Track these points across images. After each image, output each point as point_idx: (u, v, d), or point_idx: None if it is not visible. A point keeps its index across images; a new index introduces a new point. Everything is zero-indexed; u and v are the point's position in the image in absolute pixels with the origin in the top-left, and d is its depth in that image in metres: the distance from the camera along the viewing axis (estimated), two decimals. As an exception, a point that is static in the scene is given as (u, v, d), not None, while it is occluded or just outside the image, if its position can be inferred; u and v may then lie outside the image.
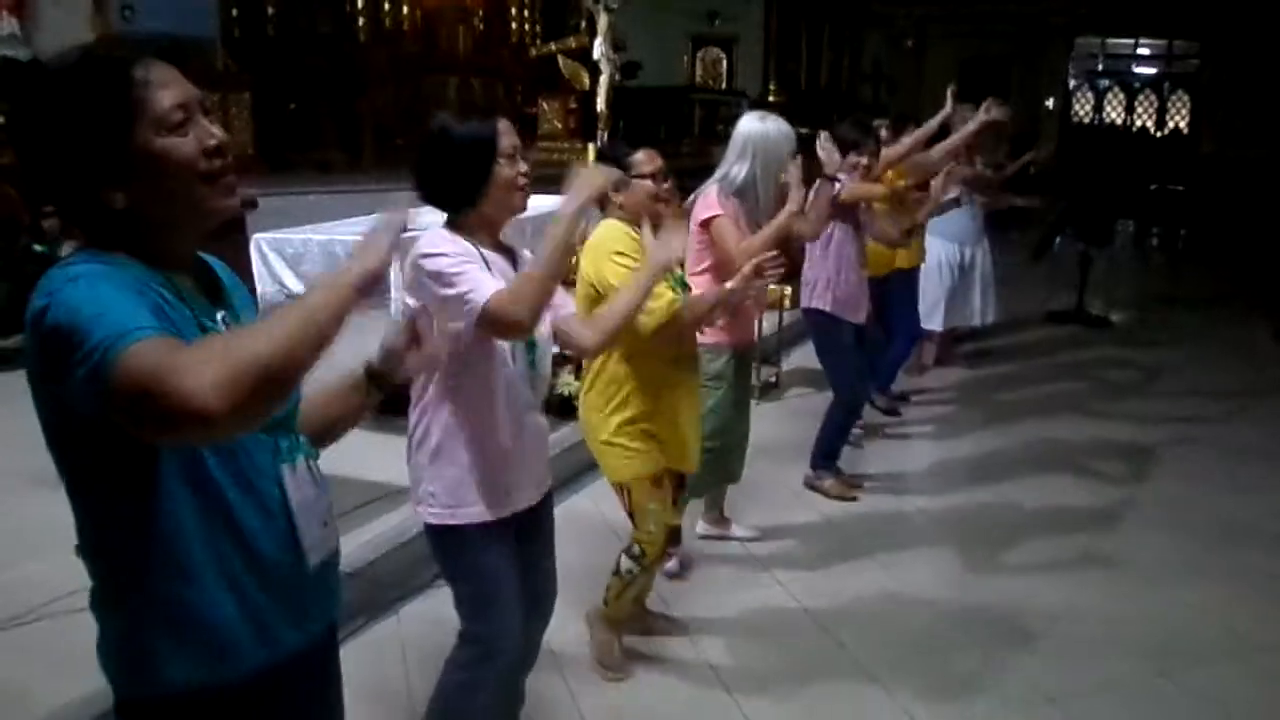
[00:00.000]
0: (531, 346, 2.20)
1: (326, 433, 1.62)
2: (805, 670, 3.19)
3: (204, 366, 1.03)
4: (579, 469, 4.20)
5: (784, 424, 5.20)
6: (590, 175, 2.13)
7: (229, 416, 1.04)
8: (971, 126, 5.13)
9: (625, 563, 3.01)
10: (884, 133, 4.77)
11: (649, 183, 2.85)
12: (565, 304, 2.32)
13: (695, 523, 4.01)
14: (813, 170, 3.79)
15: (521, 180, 2.15)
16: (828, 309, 4.31)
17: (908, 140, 5.06)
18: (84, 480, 1.27)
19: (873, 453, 5.13)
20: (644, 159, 2.87)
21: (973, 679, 3.15)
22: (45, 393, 1.20)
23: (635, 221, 2.81)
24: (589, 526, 3.90)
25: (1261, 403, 6.18)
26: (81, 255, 1.22)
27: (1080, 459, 5.11)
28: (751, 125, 3.52)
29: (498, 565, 2.24)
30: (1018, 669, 3.20)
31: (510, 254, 2.24)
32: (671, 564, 3.70)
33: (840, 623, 3.45)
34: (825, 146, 3.77)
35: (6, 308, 5.29)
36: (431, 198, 2.16)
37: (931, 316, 6.30)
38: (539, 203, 4.80)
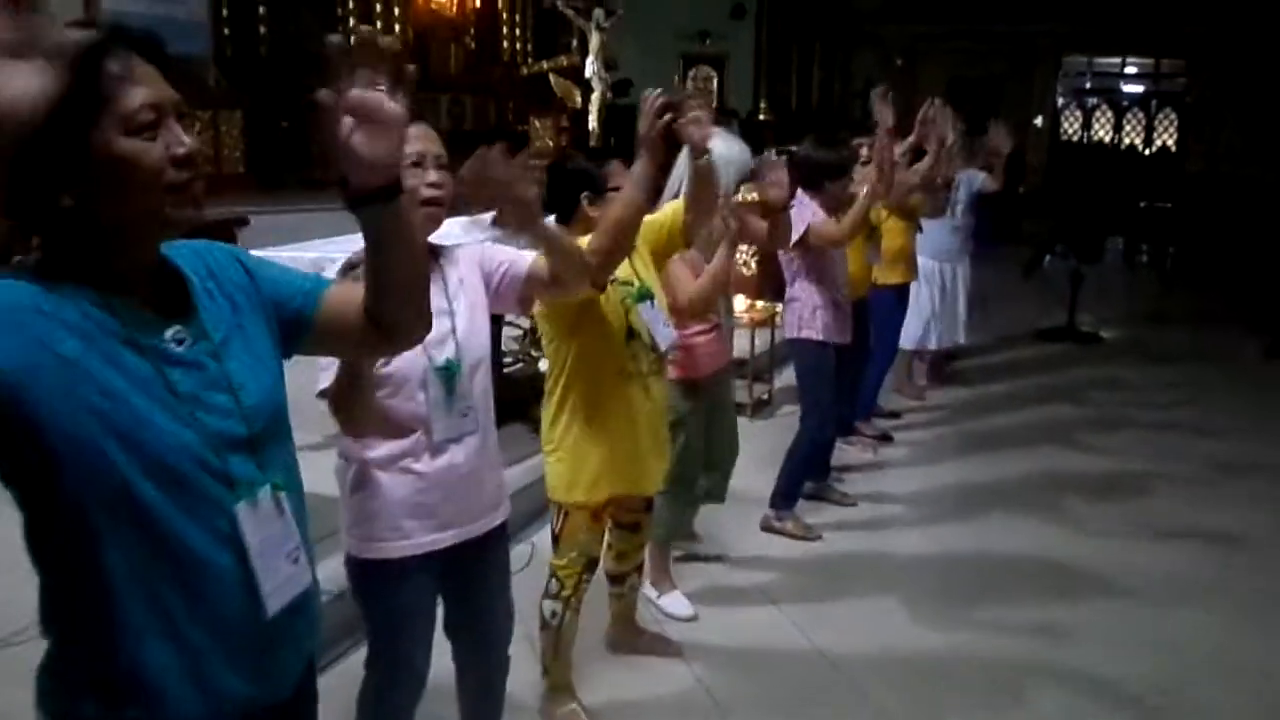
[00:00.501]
0: (448, 373, 2.05)
1: (414, 280, 1.37)
2: (800, 694, 3.17)
3: None
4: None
5: (777, 441, 5.15)
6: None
7: None
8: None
9: (548, 608, 2.88)
10: (864, 151, 4.70)
11: None
12: (515, 259, 2.19)
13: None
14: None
15: (426, 192, 1.99)
16: (818, 336, 4.19)
17: (920, 167, 5.00)
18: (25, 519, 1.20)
19: (863, 476, 5.09)
20: (619, 170, 2.72)
21: (973, 705, 3.14)
22: None
23: None
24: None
25: (1252, 420, 6.20)
26: (6, 274, 1.15)
27: (1073, 479, 5.10)
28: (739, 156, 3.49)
29: (407, 603, 2.15)
30: (1009, 693, 3.18)
31: (434, 258, 2.10)
32: (684, 609, 3.63)
33: (834, 644, 3.44)
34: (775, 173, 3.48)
35: None
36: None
37: (923, 336, 6.29)
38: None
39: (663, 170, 2.29)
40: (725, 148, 3.35)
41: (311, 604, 1.41)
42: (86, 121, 1.11)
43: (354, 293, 1.40)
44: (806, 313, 4.19)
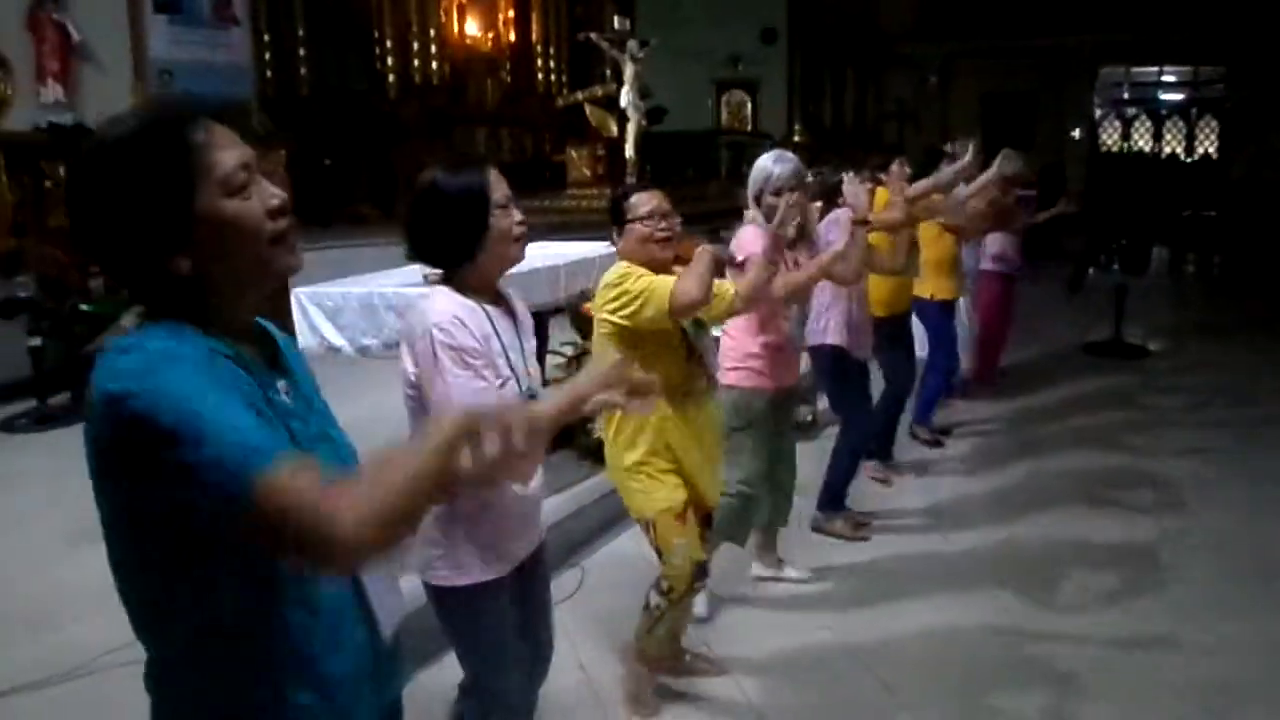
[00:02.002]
0: (532, 399, 2.12)
1: None
2: (849, 713, 3.16)
3: (354, 510, 1.05)
4: (619, 511, 4.20)
5: (822, 463, 5.18)
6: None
7: (373, 555, 1.10)
8: (988, 176, 5.17)
9: (653, 598, 3.00)
10: (894, 168, 4.74)
11: (639, 226, 2.79)
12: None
13: (747, 564, 3.99)
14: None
15: (517, 230, 2.10)
16: (843, 344, 4.29)
17: (928, 181, 5.01)
18: (150, 565, 1.19)
19: (911, 489, 5.09)
20: (641, 200, 2.82)
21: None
22: (115, 482, 1.15)
23: (644, 264, 2.78)
24: (630, 569, 3.88)
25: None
26: (150, 331, 1.18)
27: (1123, 492, 5.03)
28: (759, 163, 3.63)
29: (498, 624, 2.22)
30: (1064, 710, 3.15)
31: (508, 305, 2.20)
32: (700, 608, 3.66)
33: (885, 664, 3.41)
34: (852, 189, 3.73)
35: (56, 367, 5.43)
36: (425, 255, 2.11)
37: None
38: (563, 250, 4.90)
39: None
40: (765, 164, 3.56)
41: (402, 631, 1.46)
42: (188, 193, 1.17)
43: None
44: (833, 322, 4.28)
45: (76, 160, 1.21)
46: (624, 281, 2.72)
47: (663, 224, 2.80)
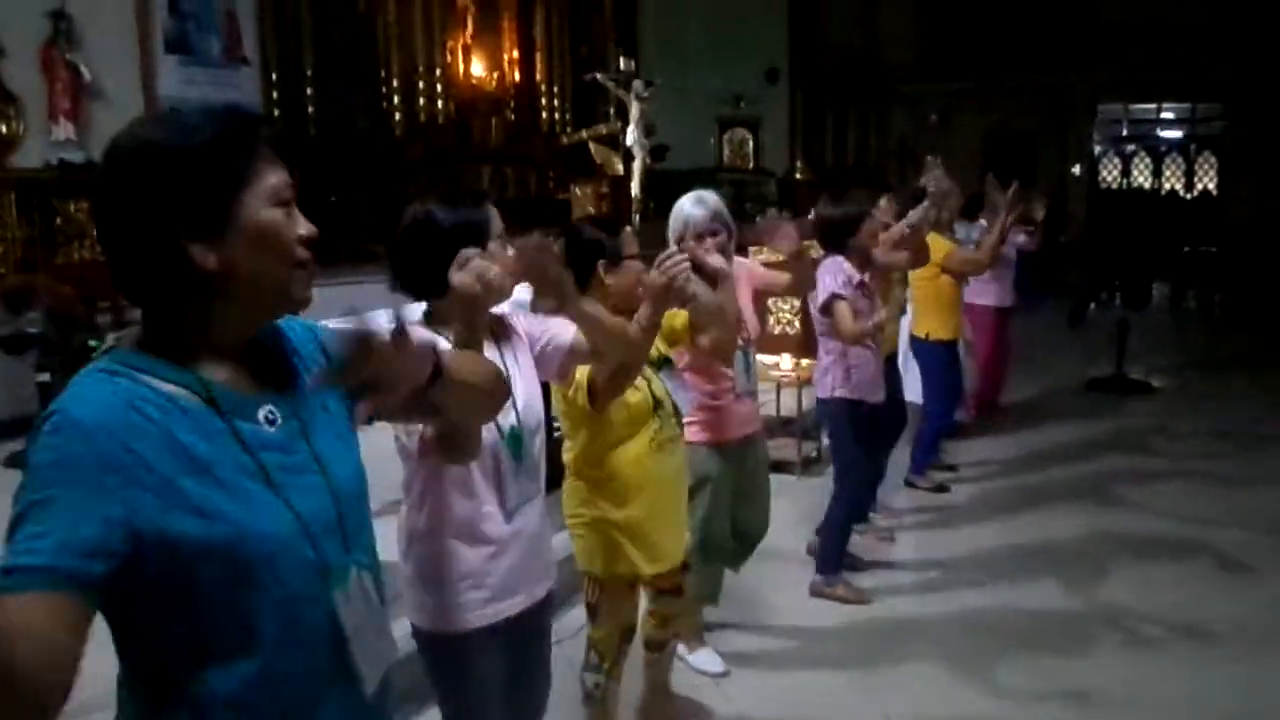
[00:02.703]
0: (515, 439, 2.10)
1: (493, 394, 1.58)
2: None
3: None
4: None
5: (826, 498, 5.17)
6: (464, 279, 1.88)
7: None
8: (1002, 224, 5.19)
9: (589, 680, 2.85)
10: (883, 203, 4.75)
11: (638, 263, 2.68)
12: (560, 330, 2.22)
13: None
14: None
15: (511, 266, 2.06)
16: (850, 396, 4.15)
17: (896, 230, 4.95)
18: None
19: (910, 541, 5.01)
20: (630, 239, 2.72)
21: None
22: None
23: (624, 308, 2.54)
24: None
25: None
26: (104, 363, 1.16)
27: (1126, 535, 5.01)
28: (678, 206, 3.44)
29: (484, 674, 2.15)
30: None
31: (492, 333, 2.15)
32: (715, 666, 3.63)
33: (878, 709, 3.39)
34: (779, 229, 3.59)
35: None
36: (410, 286, 2.08)
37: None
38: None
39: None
40: (696, 205, 3.39)
41: (395, 673, 1.41)
42: (239, 186, 1.17)
43: None
44: (838, 373, 4.15)
45: (124, 137, 1.18)
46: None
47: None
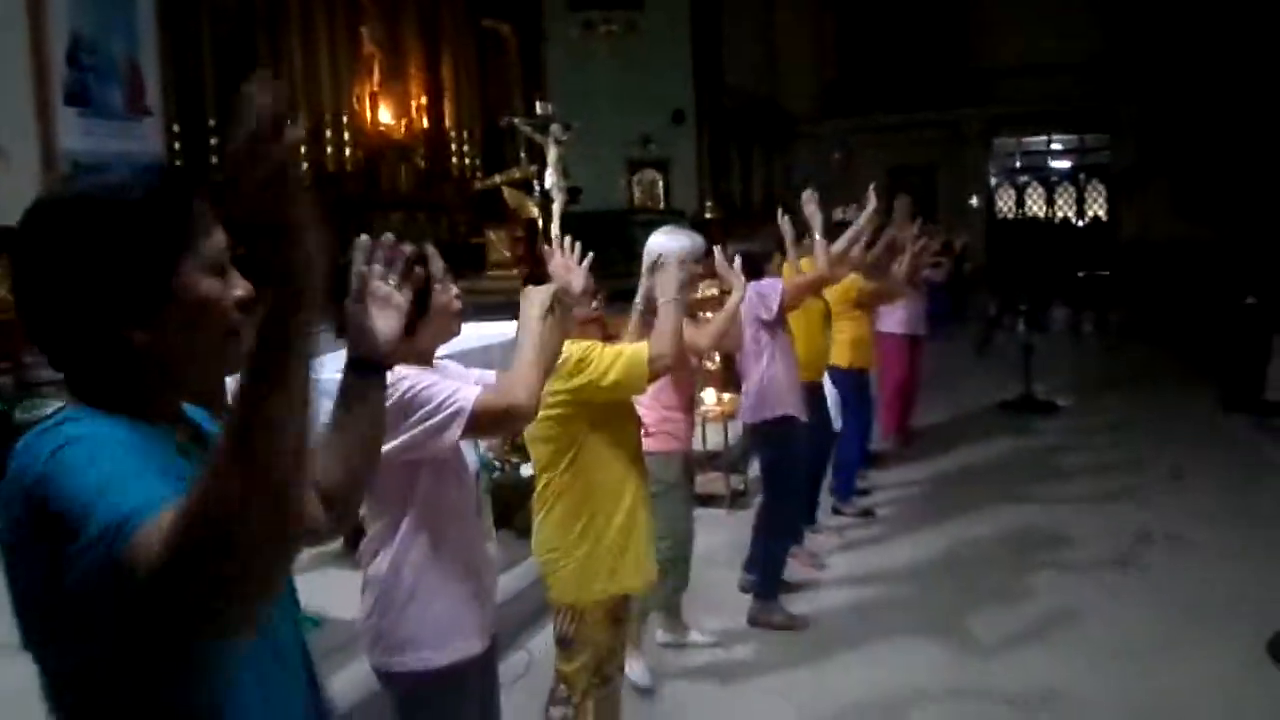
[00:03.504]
0: (487, 470, 2.17)
1: (365, 463, 1.39)
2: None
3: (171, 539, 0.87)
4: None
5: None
6: (536, 293, 2.09)
7: (193, 594, 0.89)
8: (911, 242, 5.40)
9: (557, 714, 2.81)
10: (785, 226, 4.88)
11: (576, 309, 2.67)
12: (483, 377, 2.25)
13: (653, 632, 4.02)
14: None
15: (456, 305, 2.08)
16: (791, 411, 4.27)
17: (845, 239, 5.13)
18: (74, 666, 1.05)
19: (836, 559, 5.11)
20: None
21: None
22: (26, 565, 1.02)
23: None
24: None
25: (1222, 473, 6.37)
26: (68, 413, 1.08)
27: (1045, 549, 5.18)
28: (651, 240, 3.48)
29: (461, 712, 2.11)
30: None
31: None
32: (644, 678, 3.68)
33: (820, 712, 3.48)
34: (722, 265, 3.74)
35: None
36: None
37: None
38: (493, 330, 4.91)
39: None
40: (672, 239, 3.41)
41: None
42: (176, 259, 1.08)
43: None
44: (783, 391, 4.26)
45: (53, 203, 1.09)
46: (590, 353, 2.62)
47: (594, 304, 2.76)
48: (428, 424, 1.93)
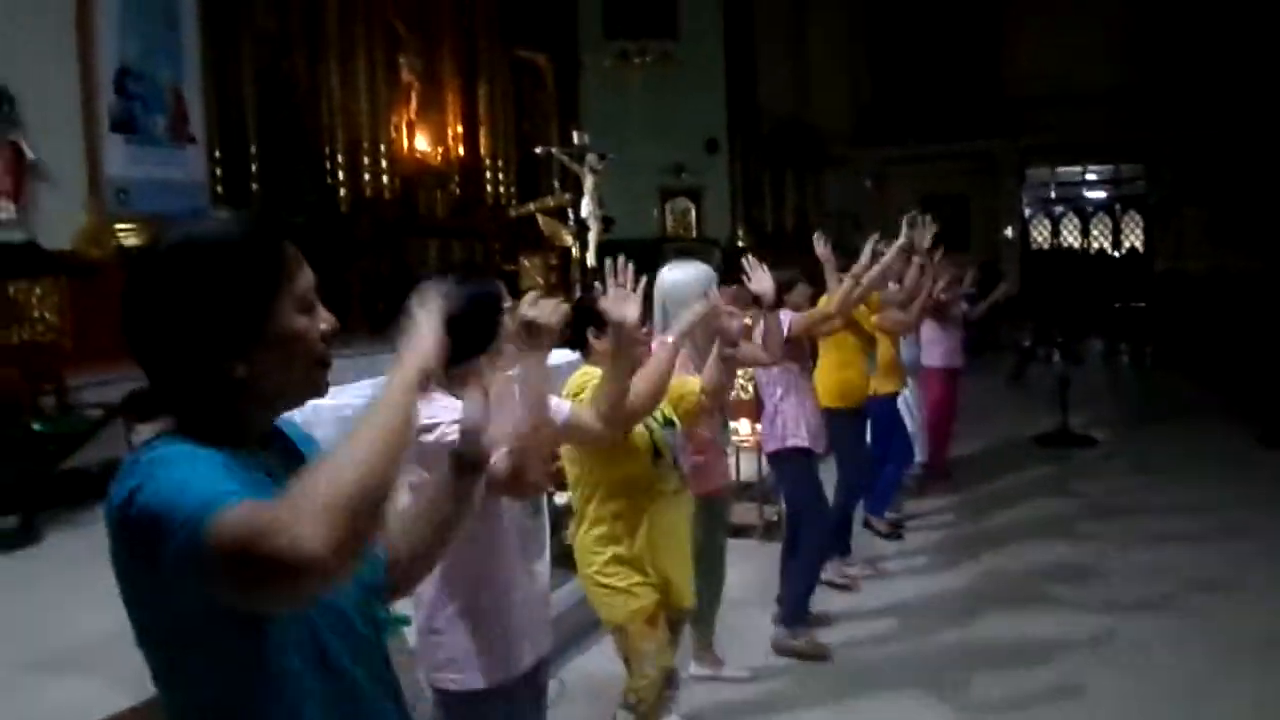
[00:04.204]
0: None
1: (441, 542, 1.49)
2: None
3: (297, 514, 0.98)
4: (594, 617, 4.17)
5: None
6: (539, 313, 2.03)
7: (334, 557, 0.99)
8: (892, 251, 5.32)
9: (622, 717, 2.92)
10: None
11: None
12: (559, 409, 2.30)
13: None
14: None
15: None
16: (805, 444, 4.30)
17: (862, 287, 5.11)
18: (188, 675, 1.17)
19: (868, 588, 5.10)
20: None
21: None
22: (138, 585, 1.13)
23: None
24: (609, 677, 3.85)
25: (1260, 511, 6.24)
26: (164, 439, 1.17)
27: (1078, 588, 5.10)
28: (660, 277, 3.54)
29: None
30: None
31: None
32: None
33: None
34: (759, 279, 3.71)
35: (7, 490, 5.29)
36: None
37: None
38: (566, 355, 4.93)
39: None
40: (681, 273, 3.52)
41: None
42: (270, 300, 1.19)
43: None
44: (790, 423, 4.30)
45: (159, 251, 1.20)
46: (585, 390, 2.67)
47: (644, 327, 2.78)
48: None
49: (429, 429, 1.96)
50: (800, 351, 4.43)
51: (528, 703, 2.28)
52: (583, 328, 2.84)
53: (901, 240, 5.04)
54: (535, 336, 2.00)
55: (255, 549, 0.97)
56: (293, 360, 1.22)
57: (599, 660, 3.98)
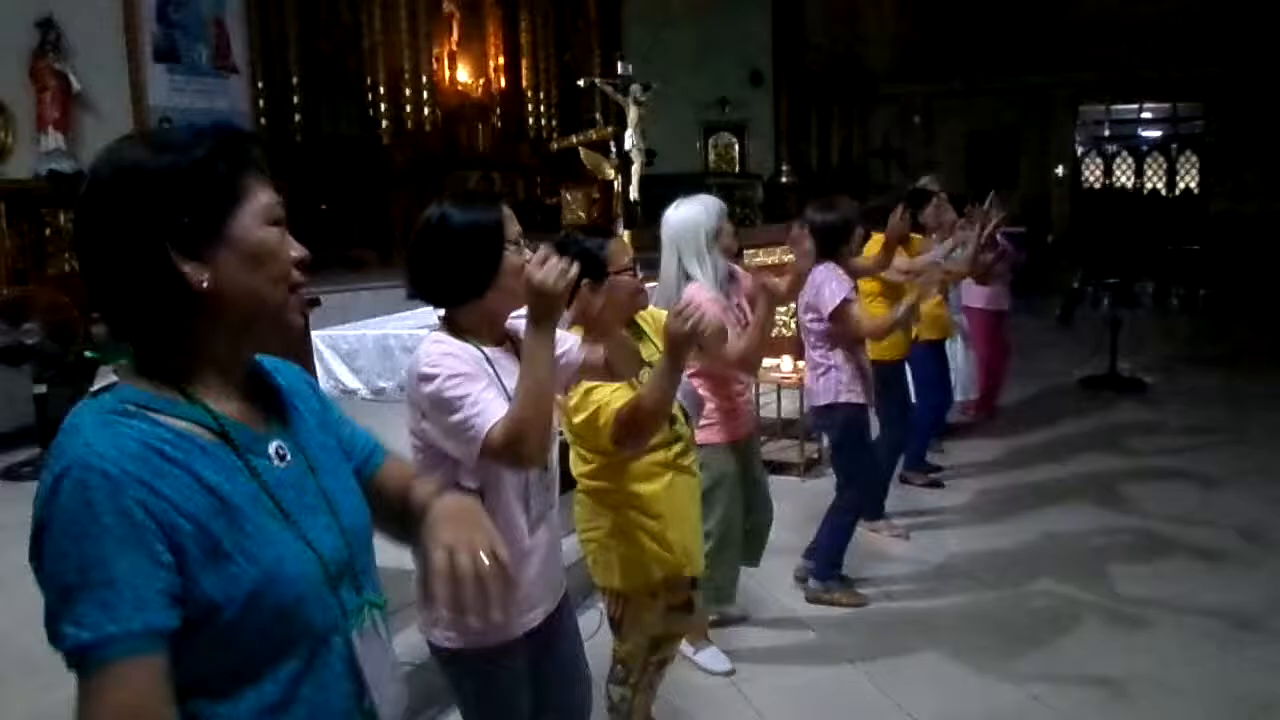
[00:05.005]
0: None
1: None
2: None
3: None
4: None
5: (829, 500, 5.18)
6: (545, 279, 1.79)
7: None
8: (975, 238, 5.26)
9: (614, 692, 2.81)
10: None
11: (629, 276, 2.55)
12: (572, 347, 2.15)
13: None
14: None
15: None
16: (859, 400, 4.15)
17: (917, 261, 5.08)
18: None
19: (909, 542, 5.00)
20: (619, 249, 2.56)
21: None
22: None
23: (615, 320, 2.49)
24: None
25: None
26: (108, 401, 1.08)
27: (1122, 531, 5.04)
28: (665, 218, 3.45)
29: (509, 690, 2.10)
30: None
31: (514, 344, 2.06)
32: (722, 664, 3.63)
33: (898, 689, 3.45)
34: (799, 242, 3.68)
35: (61, 415, 5.40)
36: (428, 293, 2.02)
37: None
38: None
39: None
40: (688, 210, 3.43)
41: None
42: (233, 202, 1.13)
43: (402, 472, 1.46)
44: (846, 378, 4.12)
45: (110, 152, 1.13)
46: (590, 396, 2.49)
47: (639, 275, 2.63)
48: (451, 441, 1.90)
49: (443, 403, 1.92)
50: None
51: (544, 653, 2.17)
52: (598, 271, 2.55)
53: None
54: (542, 304, 1.80)
55: None
56: (258, 275, 1.14)
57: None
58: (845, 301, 4.00)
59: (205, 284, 1.10)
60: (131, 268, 1.09)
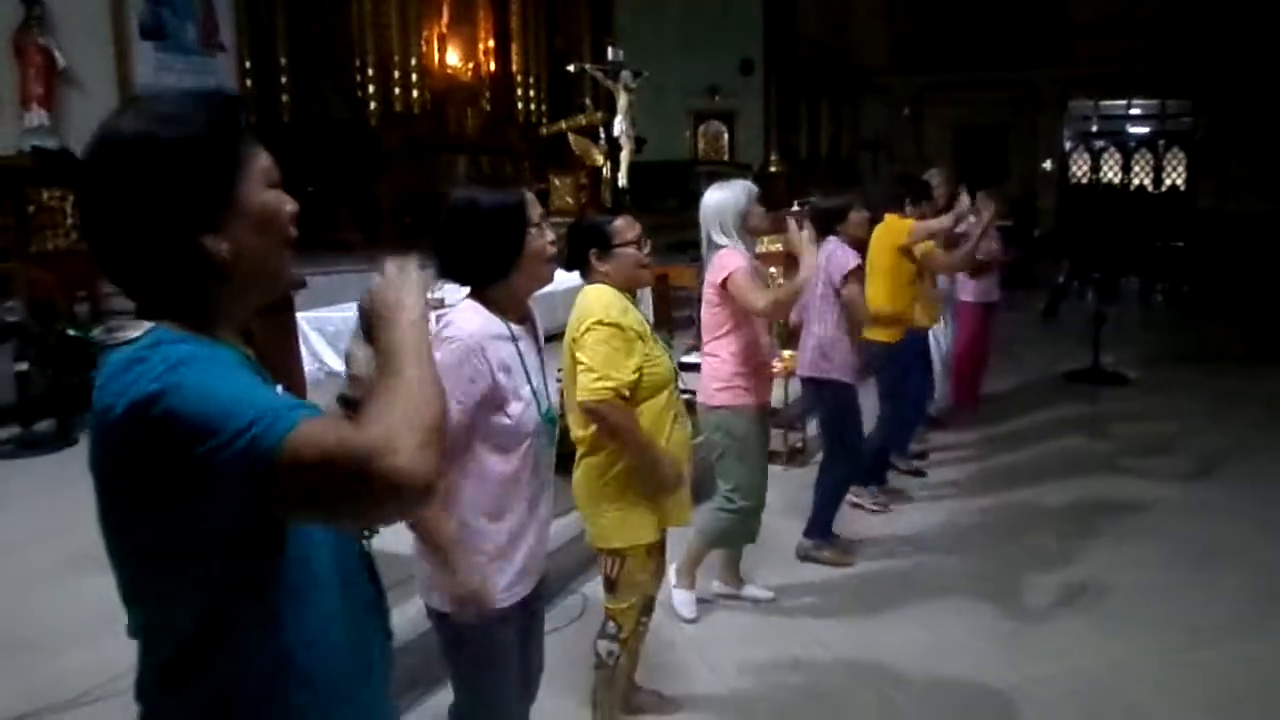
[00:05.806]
0: (550, 422, 2.16)
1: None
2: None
3: (394, 437, 1.01)
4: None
5: (809, 489, 5.22)
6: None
7: (434, 478, 1.04)
8: (979, 226, 5.38)
9: (604, 647, 2.91)
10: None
11: (633, 249, 2.76)
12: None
13: (709, 583, 4.05)
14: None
15: (550, 250, 2.12)
16: (848, 379, 4.33)
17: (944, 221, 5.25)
18: (180, 590, 1.14)
19: (894, 516, 5.11)
20: (625, 226, 2.78)
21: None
22: (142, 493, 1.06)
23: (624, 289, 2.75)
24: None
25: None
26: (160, 334, 1.12)
27: (1104, 511, 5.11)
28: (703, 202, 3.70)
29: (503, 655, 2.17)
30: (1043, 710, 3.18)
31: (533, 325, 2.21)
32: (688, 610, 3.82)
33: (877, 674, 3.49)
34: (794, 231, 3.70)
35: (42, 393, 5.37)
36: (457, 273, 2.11)
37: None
38: (561, 277, 4.91)
39: None
40: (721, 194, 3.66)
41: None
42: (235, 171, 1.16)
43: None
44: (838, 356, 4.31)
45: (114, 130, 1.13)
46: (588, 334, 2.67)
47: (646, 249, 2.81)
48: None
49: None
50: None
51: (527, 625, 2.27)
52: (584, 248, 2.75)
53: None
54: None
55: (351, 466, 0.99)
56: (267, 237, 1.19)
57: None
58: (858, 268, 4.30)
59: (223, 253, 1.14)
60: (151, 243, 1.13)
